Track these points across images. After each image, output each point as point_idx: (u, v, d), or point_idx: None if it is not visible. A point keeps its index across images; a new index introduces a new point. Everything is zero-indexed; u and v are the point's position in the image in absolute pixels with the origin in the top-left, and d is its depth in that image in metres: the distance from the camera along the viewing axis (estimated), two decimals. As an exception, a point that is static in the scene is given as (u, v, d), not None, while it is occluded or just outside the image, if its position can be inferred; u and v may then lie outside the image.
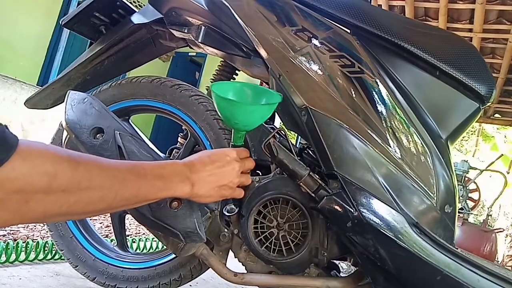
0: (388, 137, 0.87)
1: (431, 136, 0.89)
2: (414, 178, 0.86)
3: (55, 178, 0.48)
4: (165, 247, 1.04)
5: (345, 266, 2.25)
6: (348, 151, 0.86)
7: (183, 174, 0.67)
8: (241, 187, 0.81)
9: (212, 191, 0.72)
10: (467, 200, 4.46)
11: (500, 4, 3.45)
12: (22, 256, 1.37)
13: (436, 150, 0.88)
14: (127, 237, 1.31)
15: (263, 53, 0.94)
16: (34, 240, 1.50)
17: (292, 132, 0.98)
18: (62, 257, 1.31)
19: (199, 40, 1.03)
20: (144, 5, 1.23)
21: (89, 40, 1.29)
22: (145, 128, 6.49)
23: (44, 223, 1.90)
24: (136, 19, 1.17)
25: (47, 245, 1.45)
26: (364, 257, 0.86)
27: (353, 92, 0.89)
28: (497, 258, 4.08)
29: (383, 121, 0.87)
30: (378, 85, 0.89)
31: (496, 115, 5.10)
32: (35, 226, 1.95)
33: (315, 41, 0.92)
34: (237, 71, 1.22)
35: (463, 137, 9.99)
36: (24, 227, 1.89)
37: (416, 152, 0.87)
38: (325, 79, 0.90)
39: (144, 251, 1.84)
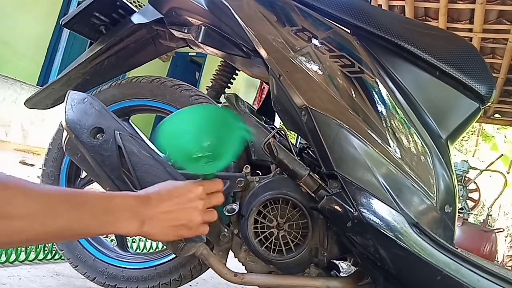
0: (388, 137, 0.87)
1: (431, 136, 0.89)
2: (414, 178, 0.86)
3: None
4: (165, 247, 1.04)
5: (345, 266, 2.25)
6: (348, 151, 0.86)
7: (132, 210, 0.60)
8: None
9: (166, 230, 0.64)
10: (467, 200, 4.46)
11: (500, 4, 3.45)
12: (22, 256, 1.37)
13: (436, 150, 0.89)
14: (127, 237, 1.31)
15: (263, 53, 0.94)
16: (34, 240, 1.50)
17: (292, 132, 0.98)
18: (62, 257, 1.31)
19: (199, 40, 1.03)
20: (144, 5, 1.23)
21: (89, 40, 1.29)
22: (145, 128, 6.49)
23: None
24: (136, 19, 1.17)
25: (47, 245, 1.45)
26: (364, 257, 0.86)
27: (353, 92, 0.89)
28: (497, 258, 4.08)
29: (383, 121, 0.87)
30: (378, 85, 0.89)
31: (496, 115, 5.10)
32: (35, 226, 1.95)
33: (315, 41, 0.92)
34: (237, 71, 1.22)
35: (463, 137, 9.99)
36: (24, 227, 1.89)
37: (416, 152, 0.87)
38: (325, 79, 0.90)
39: (144, 251, 1.84)
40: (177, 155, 0.71)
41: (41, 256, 1.42)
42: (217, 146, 0.71)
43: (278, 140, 0.95)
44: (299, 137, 0.95)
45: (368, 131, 0.86)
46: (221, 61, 1.20)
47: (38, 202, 0.50)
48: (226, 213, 0.94)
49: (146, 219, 0.61)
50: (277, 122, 1.18)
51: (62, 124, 0.93)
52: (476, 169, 4.62)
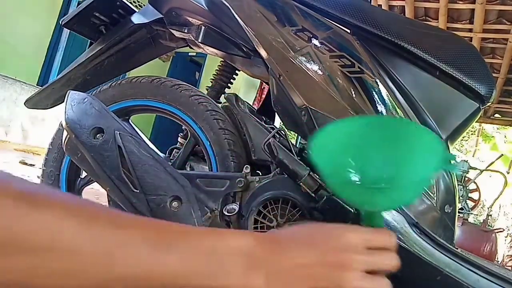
0: (388, 137, 0.87)
1: (431, 136, 0.89)
2: (414, 178, 0.86)
3: None
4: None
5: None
6: (348, 151, 0.86)
7: (251, 255, 0.38)
8: None
9: None
10: (467, 200, 4.46)
11: (500, 4, 3.45)
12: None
13: (436, 150, 0.88)
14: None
15: (263, 53, 0.94)
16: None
17: (292, 132, 0.98)
18: (62, 257, 1.31)
19: (199, 40, 1.03)
20: (144, 5, 1.23)
21: (89, 40, 1.29)
22: (145, 128, 6.49)
23: None
24: (136, 19, 1.17)
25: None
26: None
27: (353, 92, 0.89)
28: (497, 258, 4.08)
29: (383, 121, 0.87)
30: (378, 85, 0.89)
31: (496, 115, 5.10)
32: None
33: (315, 41, 0.92)
34: (237, 71, 1.22)
35: (463, 137, 9.99)
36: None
37: (416, 152, 0.87)
38: (325, 79, 0.90)
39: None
40: (336, 178, 0.49)
41: (41, 256, 1.42)
42: (404, 171, 0.47)
43: (278, 140, 0.94)
44: (299, 137, 0.95)
45: (368, 131, 0.86)
46: (221, 61, 1.20)
47: (99, 232, 0.33)
48: (226, 213, 0.94)
49: (271, 270, 0.39)
50: (277, 122, 1.18)
51: (62, 124, 0.93)
52: (476, 169, 4.62)
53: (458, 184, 4.06)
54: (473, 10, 3.58)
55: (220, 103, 1.19)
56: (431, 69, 0.91)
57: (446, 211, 0.87)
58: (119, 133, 0.88)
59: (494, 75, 4.10)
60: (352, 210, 0.82)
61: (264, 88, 6.06)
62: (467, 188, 4.43)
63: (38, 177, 1.33)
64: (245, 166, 0.97)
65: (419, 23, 1.18)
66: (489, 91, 0.91)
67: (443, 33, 1.20)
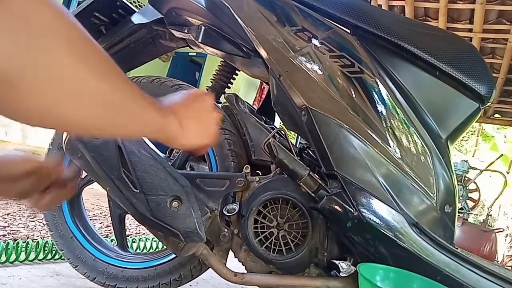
0: (388, 137, 0.87)
1: (431, 136, 0.89)
2: (414, 178, 0.86)
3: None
4: (165, 247, 1.05)
5: (345, 266, 2.25)
6: (348, 151, 0.86)
7: (171, 109, 0.53)
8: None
9: (197, 135, 0.57)
10: (467, 200, 4.46)
11: (500, 4, 3.45)
12: (22, 256, 1.37)
13: (436, 150, 0.89)
14: (127, 237, 1.31)
15: (263, 53, 0.94)
16: (34, 240, 1.50)
17: (292, 132, 0.98)
18: (62, 257, 1.31)
19: (199, 40, 1.03)
20: (144, 5, 1.23)
21: (89, 40, 1.28)
22: (145, 128, 6.46)
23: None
24: (136, 19, 1.17)
25: (47, 245, 1.45)
26: (364, 257, 0.86)
27: (353, 92, 0.89)
28: (497, 258, 4.08)
29: (383, 121, 0.87)
30: (378, 85, 0.89)
31: (496, 115, 5.10)
32: (35, 226, 1.96)
33: (315, 41, 0.92)
34: (237, 71, 1.22)
35: (463, 137, 9.99)
36: (24, 227, 1.89)
37: (416, 152, 0.87)
38: (325, 79, 0.90)
39: (144, 251, 1.84)
40: None
41: (41, 256, 1.42)
42: None
43: (278, 140, 0.95)
44: (299, 137, 0.95)
45: (368, 131, 0.86)
46: (221, 61, 1.20)
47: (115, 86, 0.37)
48: (226, 213, 0.94)
49: (181, 120, 0.53)
50: (277, 122, 1.18)
51: (62, 124, 0.93)
52: (476, 169, 4.62)
53: (458, 184, 4.07)
54: (473, 10, 3.58)
55: (220, 103, 1.19)
56: (431, 69, 0.91)
57: (446, 211, 0.87)
58: (119, 133, 0.88)
59: (494, 75, 4.10)
60: (352, 210, 0.82)
61: (264, 88, 6.06)
62: (467, 188, 4.43)
63: (38, 177, 1.33)
64: (245, 166, 0.97)
65: (419, 23, 1.18)
66: (489, 91, 0.91)
67: (443, 33, 1.20)
